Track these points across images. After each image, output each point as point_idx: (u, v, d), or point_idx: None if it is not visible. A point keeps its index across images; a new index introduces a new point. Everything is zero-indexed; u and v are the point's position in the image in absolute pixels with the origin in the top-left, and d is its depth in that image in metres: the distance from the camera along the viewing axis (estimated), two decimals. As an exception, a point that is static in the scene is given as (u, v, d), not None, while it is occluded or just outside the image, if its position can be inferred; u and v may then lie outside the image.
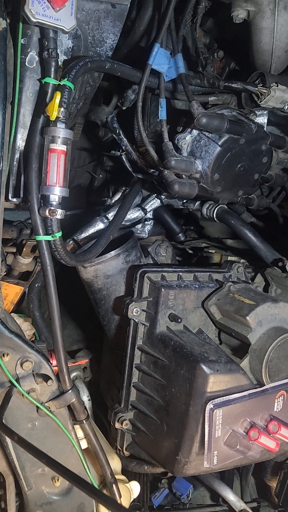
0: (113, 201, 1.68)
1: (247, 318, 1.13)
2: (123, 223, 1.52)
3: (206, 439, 1.06)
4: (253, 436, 1.08)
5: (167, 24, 1.12)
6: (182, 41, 1.30)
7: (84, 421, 1.06)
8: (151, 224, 1.72)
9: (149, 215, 1.70)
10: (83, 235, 1.54)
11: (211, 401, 1.05)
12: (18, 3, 0.90)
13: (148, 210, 1.67)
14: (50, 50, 0.90)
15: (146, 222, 1.72)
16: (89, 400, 1.40)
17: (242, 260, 1.60)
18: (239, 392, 1.09)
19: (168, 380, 1.15)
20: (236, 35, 1.30)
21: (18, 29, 0.91)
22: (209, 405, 1.05)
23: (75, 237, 1.52)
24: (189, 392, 1.08)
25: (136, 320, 1.21)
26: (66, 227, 1.58)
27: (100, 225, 1.55)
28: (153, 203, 1.67)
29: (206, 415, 1.05)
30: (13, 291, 1.51)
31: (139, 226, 1.71)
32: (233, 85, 1.21)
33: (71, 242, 1.52)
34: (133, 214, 1.65)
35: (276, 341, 1.12)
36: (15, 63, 0.91)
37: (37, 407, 0.99)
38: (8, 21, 0.89)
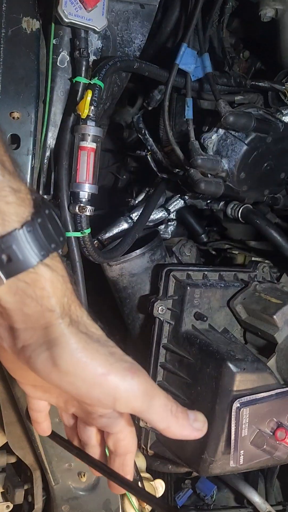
0: (136, 201, 1.69)
1: (274, 317, 1.13)
2: (146, 223, 1.53)
3: (232, 438, 1.05)
4: (280, 436, 1.07)
5: (195, 24, 1.13)
6: (209, 41, 1.31)
7: (110, 417, 1.07)
8: (174, 224, 1.72)
9: (172, 215, 1.71)
10: (108, 234, 1.55)
11: (237, 400, 1.05)
12: (50, 4, 0.92)
13: (171, 210, 1.67)
14: (81, 49, 0.92)
15: (169, 223, 1.72)
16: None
17: (266, 261, 1.59)
18: (266, 392, 1.08)
19: (194, 379, 1.15)
20: (262, 35, 1.30)
21: (50, 30, 0.93)
22: (236, 404, 1.04)
23: (99, 237, 1.54)
24: (215, 391, 1.07)
25: (161, 319, 1.22)
26: (91, 226, 1.60)
27: (124, 225, 1.56)
28: (177, 203, 1.67)
29: (233, 413, 1.04)
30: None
31: (162, 226, 1.71)
32: (260, 84, 1.21)
33: (95, 241, 1.54)
34: (157, 214, 1.65)
35: (304, 341, 1.11)
36: (47, 62, 0.93)
37: (65, 402, 0.99)
38: (40, 22, 0.92)
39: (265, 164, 1.25)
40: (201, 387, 1.12)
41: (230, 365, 1.05)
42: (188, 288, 1.19)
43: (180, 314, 1.19)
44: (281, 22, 1.13)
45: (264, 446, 1.06)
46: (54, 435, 0.80)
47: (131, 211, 1.57)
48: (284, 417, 1.10)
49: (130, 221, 1.56)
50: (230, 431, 1.06)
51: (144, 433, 1.28)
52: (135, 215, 1.56)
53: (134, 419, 1.30)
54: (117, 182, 1.89)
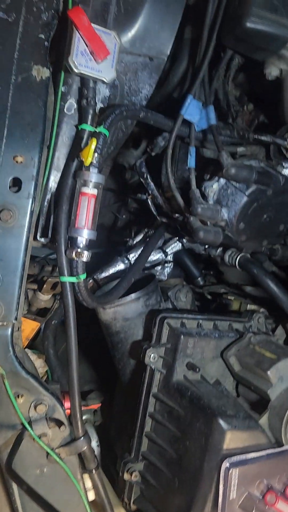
0: (134, 242, 1.69)
1: (268, 372, 1.10)
2: (143, 267, 1.52)
3: (220, 500, 1.00)
4: (269, 501, 1.02)
5: (201, 77, 1.15)
6: (214, 93, 1.34)
7: (93, 470, 1.02)
8: (171, 266, 1.72)
9: (170, 257, 1.70)
10: (104, 274, 1.54)
11: (227, 459, 1.01)
12: (61, 53, 0.94)
13: (169, 252, 1.67)
14: (89, 98, 0.93)
15: (166, 265, 1.72)
16: (98, 446, 1.35)
17: (261, 310, 1.57)
18: (257, 451, 1.04)
19: (182, 432, 1.11)
20: (266, 90, 1.33)
21: (60, 78, 0.95)
22: (225, 464, 1.00)
23: (95, 276, 1.53)
24: (205, 448, 1.04)
25: (153, 367, 1.19)
26: (87, 265, 1.59)
27: (121, 266, 1.55)
28: (174, 246, 1.67)
29: (222, 474, 1.00)
30: (29, 327, 1.51)
31: (159, 268, 1.71)
32: (262, 137, 1.22)
33: (91, 281, 1.52)
34: (154, 256, 1.65)
35: (298, 399, 1.08)
36: (54, 109, 0.94)
37: (47, 453, 0.95)
38: (50, 70, 0.93)
39: (265, 216, 1.26)
40: (189, 442, 1.08)
41: (221, 422, 1.02)
42: (182, 337, 1.16)
43: (172, 363, 1.17)
44: (285, 82, 1.16)
45: (253, 511, 1.01)
46: (32, 492, 0.76)
47: (129, 252, 1.57)
48: (274, 479, 1.06)
49: (126, 261, 1.56)
50: (218, 491, 1.01)
51: (128, 487, 1.22)
52: (132, 256, 1.55)
53: (116, 474, 1.24)
54: (117, 221, 1.90)
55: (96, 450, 1.36)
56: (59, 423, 0.95)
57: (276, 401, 1.10)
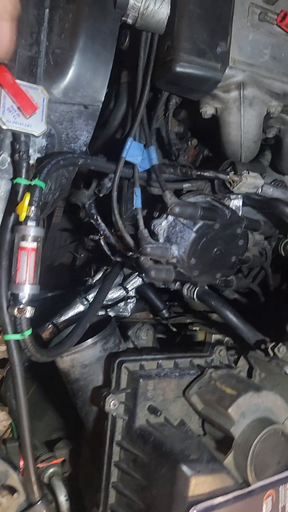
0: (94, 280, 1.67)
1: (229, 410, 1.08)
2: (104, 302, 1.50)
3: None
4: None
5: (139, 120, 1.17)
6: (157, 131, 1.36)
7: (56, 534, 0.98)
8: (134, 302, 1.70)
9: (131, 293, 1.69)
10: (63, 318, 1.52)
11: (194, 507, 0.97)
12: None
13: (129, 288, 1.66)
14: (21, 152, 0.93)
15: (129, 300, 1.70)
16: (66, 500, 1.30)
17: (226, 339, 1.57)
18: (224, 495, 1.01)
19: (148, 480, 1.07)
20: (206, 126, 1.36)
21: (-9, 134, 0.94)
22: (192, 512, 0.97)
23: (54, 321, 1.50)
24: (171, 495, 1.00)
25: (114, 414, 1.15)
26: (47, 309, 1.55)
27: (80, 307, 1.53)
28: (135, 281, 1.66)
29: (189, 523, 0.97)
30: (-11, 379, 1.46)
31: (122, 304, 1.69)
32: (205, 174, 1.24)
33: (50, 326, 1.49)
34: (115, 293, 1.64)
35: (261, 435, 1.07)
36: (-13, 165, 0.93)
37: (3, 522, 0.91)
38: (-19, 126, 0.92)
39: (215, 249, 1.26)
40: (156, 490, 1.05)
41: (184, 468, 0.99)
42: (141, 380, 1.14)
43: (133, 409, 1.14)
44: (221, 118, 1.19)
45: None
46: None
47: (87, 292, 1.55)
48: (244, 522, 1.03)
49: (86, 302, 1.53)
50: None
51: None
52: (91, 297, 1.53)
53: None
54: (76, 260, 1.88)
55: (66, 505, 1.31)
56: (12, 491, 0.91)
57: (240, 438, 1.08)
